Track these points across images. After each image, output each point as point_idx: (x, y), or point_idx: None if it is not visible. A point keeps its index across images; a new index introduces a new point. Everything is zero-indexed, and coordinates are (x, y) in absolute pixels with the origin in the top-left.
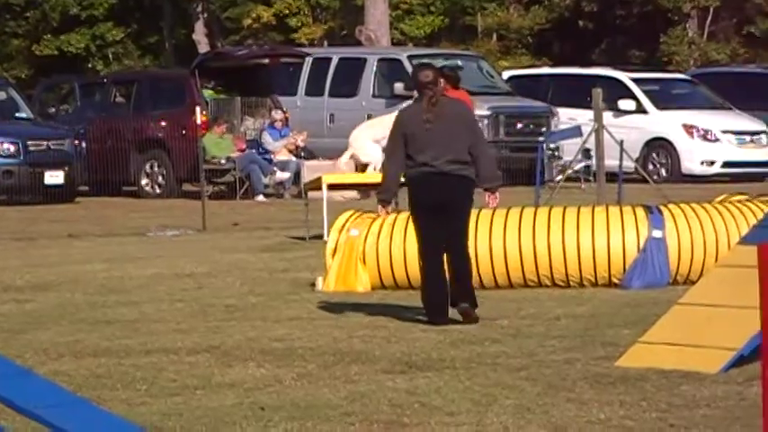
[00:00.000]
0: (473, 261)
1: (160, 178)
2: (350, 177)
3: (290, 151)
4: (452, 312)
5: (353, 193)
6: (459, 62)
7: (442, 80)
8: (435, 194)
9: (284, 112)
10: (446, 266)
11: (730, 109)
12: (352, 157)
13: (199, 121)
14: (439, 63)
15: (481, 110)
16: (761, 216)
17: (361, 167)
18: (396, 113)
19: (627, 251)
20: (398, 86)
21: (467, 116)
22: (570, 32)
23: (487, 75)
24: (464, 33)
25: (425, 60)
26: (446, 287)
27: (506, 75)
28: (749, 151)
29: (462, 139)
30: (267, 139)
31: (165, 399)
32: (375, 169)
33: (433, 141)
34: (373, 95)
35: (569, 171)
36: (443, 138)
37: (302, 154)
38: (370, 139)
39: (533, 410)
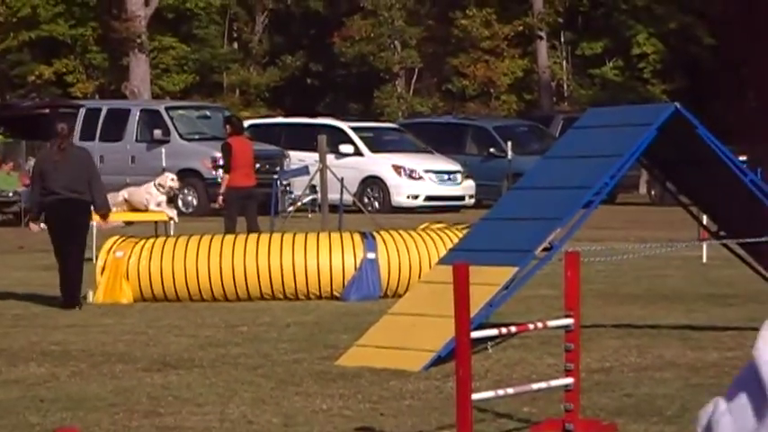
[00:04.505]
0: (219, 279)
1: None
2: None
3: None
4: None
5: (119, 222)
6: (208, 112)
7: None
8: (64, 215)
9: None
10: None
11: (431, 152)
12: (126, 200)
13: None
14: (192, 114)
15: None
16: (456, 241)
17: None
18: None
19: (345, 269)
20: (157, 132)
21: (86, 159)
22: (300, 88)
23: None
24: (212, 88)
25: (181, 112)
26: (77, 280)
27: (247, 123)
28: (447, 187)
29: (83, 175)
30: None
31: None
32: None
33: (62, 176)
34: (136, 140)
35: (299, 203)
36: (69, 173)
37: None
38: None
39: (268, 402)
